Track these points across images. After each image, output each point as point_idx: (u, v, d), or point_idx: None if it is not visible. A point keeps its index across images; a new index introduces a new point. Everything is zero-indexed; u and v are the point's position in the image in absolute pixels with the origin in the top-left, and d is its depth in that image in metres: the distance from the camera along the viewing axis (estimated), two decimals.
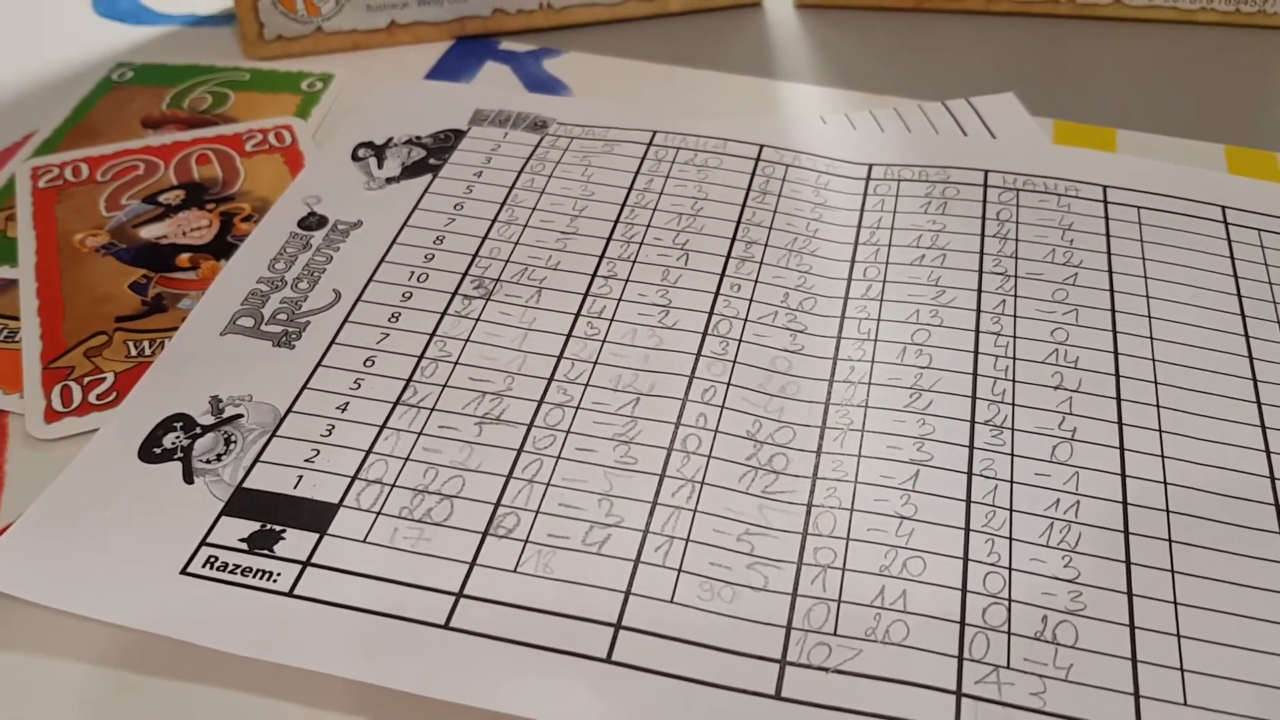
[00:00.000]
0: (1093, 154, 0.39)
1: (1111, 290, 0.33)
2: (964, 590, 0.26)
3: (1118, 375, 0.31)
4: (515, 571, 0.26)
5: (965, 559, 0.26)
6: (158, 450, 0.29)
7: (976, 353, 0.31)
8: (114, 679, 0.25)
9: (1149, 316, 0.32)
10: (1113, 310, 0.32)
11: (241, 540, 0.27)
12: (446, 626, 0.25)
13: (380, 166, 0.38)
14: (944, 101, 0.41)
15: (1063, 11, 0.47)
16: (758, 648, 0.25)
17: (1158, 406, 0.30)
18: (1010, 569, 0.26)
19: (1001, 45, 0.46)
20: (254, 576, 0.26)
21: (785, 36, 0.47)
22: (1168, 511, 0.27)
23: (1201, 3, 0.47)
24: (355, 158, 0.39)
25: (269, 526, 0.27)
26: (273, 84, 0.44)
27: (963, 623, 0.25)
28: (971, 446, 0.29)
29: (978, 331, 0.32)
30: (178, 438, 0.29)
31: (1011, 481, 0.28)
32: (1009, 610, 0.25)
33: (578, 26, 0.47)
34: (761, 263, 0.34)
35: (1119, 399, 0.30)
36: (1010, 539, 0.27)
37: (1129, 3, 0.47)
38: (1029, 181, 0.37)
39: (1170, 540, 0.27)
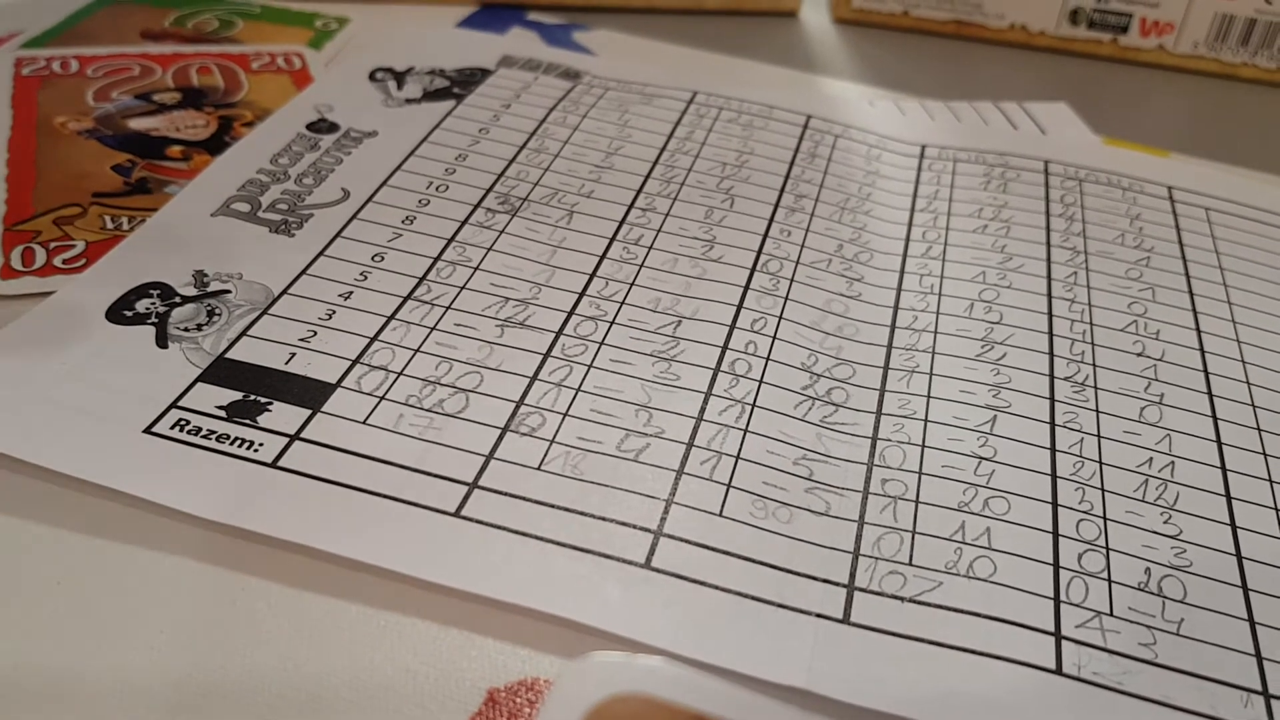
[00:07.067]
0: (1152, 158, 0.37)
1: (1188, 275, 0.31)
2: (1055, 534, 0.22)
3: (1203, 350, 0.28)
4: (539, 469, 0.23)
5: (1054, 504, 0.23)
6: (129, 313, 0.25)
7: (1051, 315, 0.28)
8: (55, 537, 0.21)
9: (1229, 303, 0.30)
10: (1190, 293, 0.30)
11: (220, 408, 0.23)
12: (457, 515, 0.21)
13: (400, 88, 0.35)
14: (995, 102, 0.39)
15: (1105, 53, 0.46)
16: (821, 570, 0.21)
17: (1248, 384, 0.27)
18: (1105, 518, 0.23)
19: (1042, 77, 0.44)
20: (231, 444, 0.22)
21: (823, 46, 0.45)
22: (1270, 482, 0.24)
23: (1244, 58, 0.46)
24: (373, 79, 0.36)
25: (253, 397, 0.23)
26: (285, 19, 0.41)
27: (1056, 565, 0.22)
28: (1053, 399, 0.26)
29: (1050, 296, 0.29)
30: (153, 304, 0.26)
31: (1099, 436, 0.25)
32: (1107, 558, 0.22)
33: (609, 10, 0.45)
34: (813, 215, 0.31)
35: (1206, 372, 0.27)
36: (1102, 489, 0.24)
37: (1172, 50, 0.46)
38: (1091, 174, 0.35)
39: (1276, 509, 0.24)
